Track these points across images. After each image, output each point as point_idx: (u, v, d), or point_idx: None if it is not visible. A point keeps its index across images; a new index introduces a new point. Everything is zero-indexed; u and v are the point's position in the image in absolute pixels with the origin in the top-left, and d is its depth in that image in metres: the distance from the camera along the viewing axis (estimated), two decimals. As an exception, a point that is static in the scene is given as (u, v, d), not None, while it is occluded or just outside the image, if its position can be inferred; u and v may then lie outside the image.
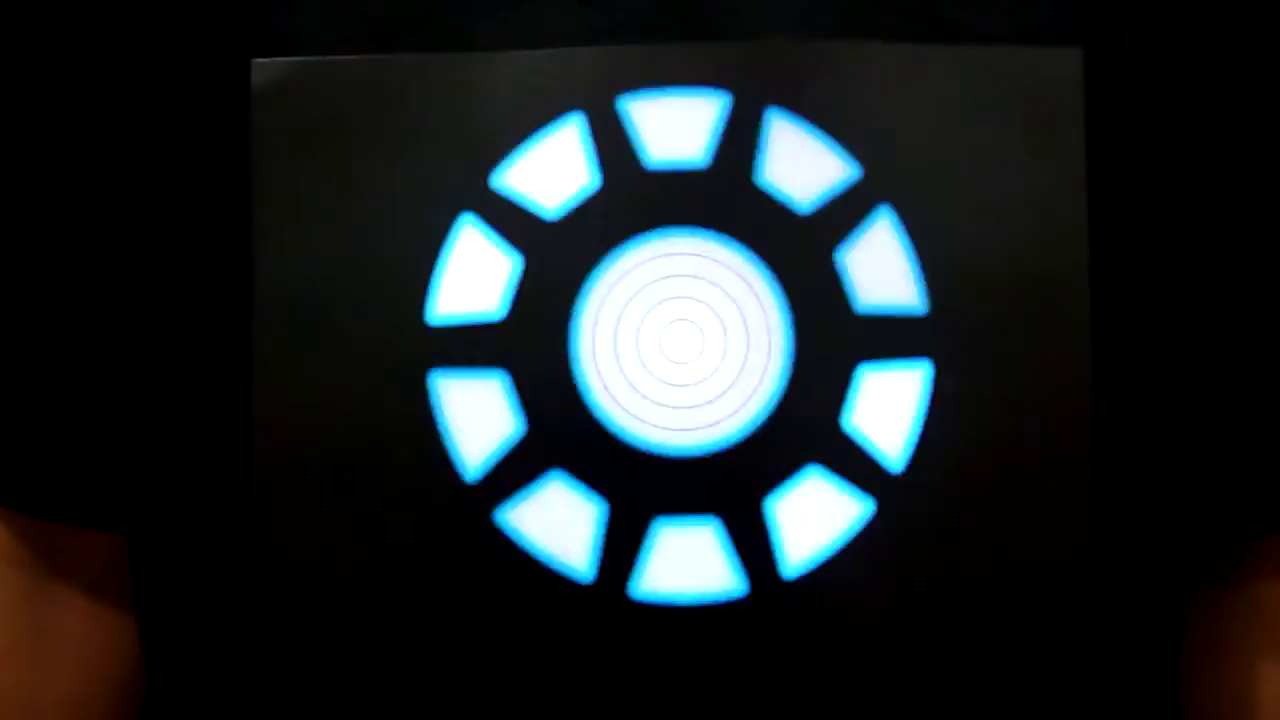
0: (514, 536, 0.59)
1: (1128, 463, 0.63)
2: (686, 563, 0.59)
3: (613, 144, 0.60)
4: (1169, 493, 0.64)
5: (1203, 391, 0.64)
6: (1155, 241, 0.63)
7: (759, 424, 0.59)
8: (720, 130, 0.60)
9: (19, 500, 0.66)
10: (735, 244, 0.60)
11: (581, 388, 0.59)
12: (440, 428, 0.59)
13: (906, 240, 0.60)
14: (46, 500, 0.65)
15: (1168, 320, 0.63)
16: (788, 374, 0.59)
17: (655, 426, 0.59)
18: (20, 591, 0.68)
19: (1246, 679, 0.70)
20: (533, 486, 0.59)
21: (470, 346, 0.59)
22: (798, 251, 0.60)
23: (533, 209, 0.60)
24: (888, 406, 0.60)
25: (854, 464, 0.60)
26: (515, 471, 0.59)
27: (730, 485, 0.59)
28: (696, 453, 0.59)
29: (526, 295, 0.59)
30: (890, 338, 0.60)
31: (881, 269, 0.60)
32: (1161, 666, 0.68)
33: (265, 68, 0.60)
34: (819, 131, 0.60)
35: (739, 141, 0.60)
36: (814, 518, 0.60)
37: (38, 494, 0.65)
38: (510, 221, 0.60)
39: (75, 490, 0.65)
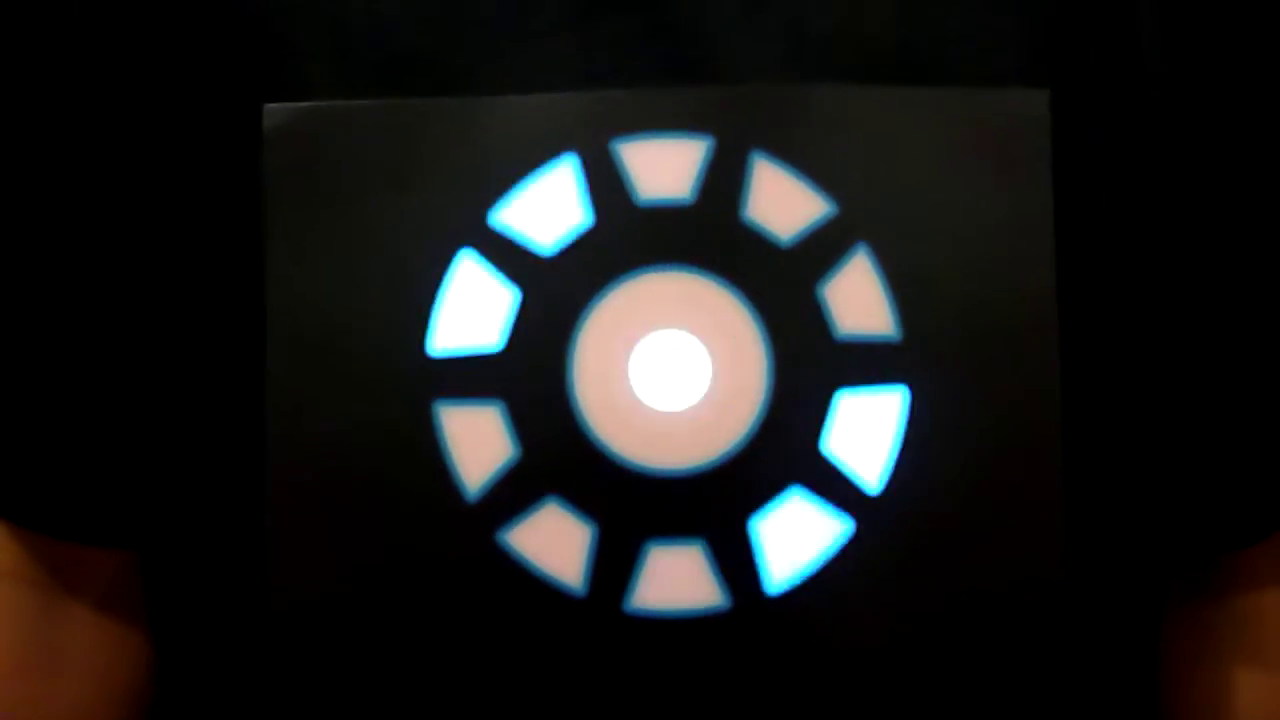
0: (512, 554, 0.60)
1: (1103, 479, 0.64)
2: (675, 579, 0.60)
3: (605, 183, 0.61)
4: (1144, 507, 0.65)
5: (1176, 407, 0.65)
6: (1125, 266, 0.64)
7: (743, 448, 0.60)
8: (706, 170, 0.61)
9: (31, 519, 0.66)
10: (720, 277, 0.61)
11: (575, 415, 0.60)
12: (442, 453, 0.60)
13: (882, 273, 0.61)
14: (59, 519, 0.66)
15: (1140, 337, 0.64)
16: (770, 400, 0.60)
17: (645, 451, 0.60)
18: (31, 608, 0.68)
19: (1224, 689, 0.70)
20: (530, 508, 0.60)
21: (470, 376, 0.60)
22: (779, 284, 0.61)
23: (529, 245, 0.61)
24: (866, 431, 0.61)
25: (834, 485, 0.61)
26: (513, 494, 0.60)
27: (716, 506, 0.60)
28: (684, 475, 0.60)
29: (523, 328, 0.60)
30: (868, 365, 0.61)
31: (859, 300, 0.61)
32: (1140, 680, 0.69)
33: (276, 112, 0.61)
34: (799, 171, 0.61)
35: (723, 181, 0.61)
36: (796, 537, 0.60)
37: (50, 513, 0.66)
38: (508, 257, 0.61)
39: (88, 509, 0.66)
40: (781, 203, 0.61)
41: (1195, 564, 0.70)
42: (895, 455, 0.61)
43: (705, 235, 0.61)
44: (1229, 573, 0.70)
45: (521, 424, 0.60)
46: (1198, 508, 0.67)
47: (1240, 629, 0.71)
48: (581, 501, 0.60)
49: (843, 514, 0.61)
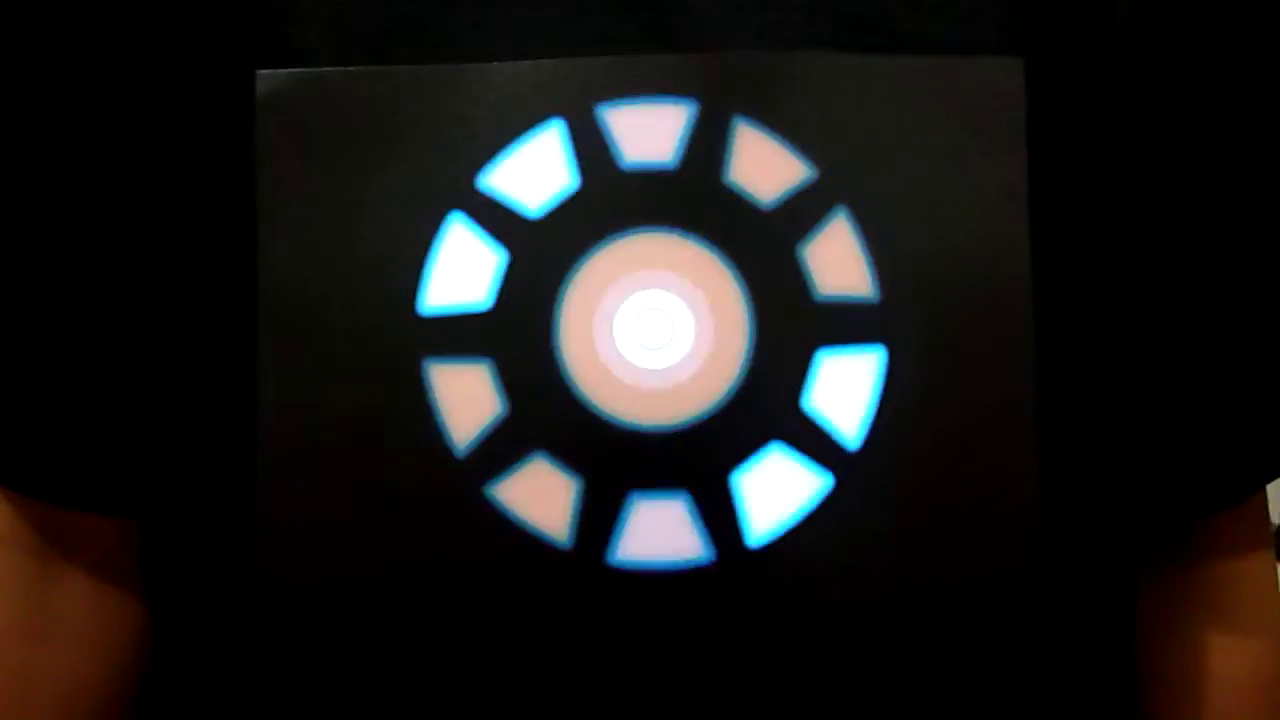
0: (500, 508, 0.61)
1: (1077, 443, 0.64)
2: (659, 532, 0.61)
3: (590, 148, 0.62)
4: (1118, 472, 0.66)
5: (1149, 373, 0.66)
6: (1098, 234, 0.65)
7: (725, 404, 0.61)
8: (689, 135, 0.62)
9: (29, 485, 0.67)
10: (703, 239, 0.62)
11: (561, 372, 0.61)
12: (432, 410, 0.61)
13: (861, 235, 0.62)
14: (56, 486, 0.66)
15: (1113, 304, 0.65)
16: (752, 358, 0.62)
17: (629, 407, 0.61)
18: (28, 574, 0.68)
19: (1199, 654, 0.72)
20: (517, 463, 0.62)
21: (459, 335, 0.61)
22: (761, 246, 0.62)
23: (517, 208, 0.62)
24: (845, 388, 0.62)
25: (813, 441, 0.62)
26: (501, 449, 0.61)
27: (699, 461, 0.61)
28: (667, 431, 0.61)
29: (510, 287, 0.61)
30: (847, 324, 0.62)
31: (838, 262, 0.62)
32: (1115, 643, 0.70)
33: (269, 78, 0.62)
34: (780, 136, 0.62)
35: (706, 145, 0.62)
36: (776, 491, 0.62)
37: (48, 480, 0.66)
38: (496, 219, 0.62)
39: (85, 476, 0.66)
40: (763, 166, 0.62)
41: (1170, 529, 0.71)
42: (873, 413, 0.62)
43: (688, 198, 0.62)
44: (1203, 538, 0.72)
45: (509, 381, 0.62)
46: (1172, 472, 0.68)
47: (1214, 594, 0.72)
48: (567, 456, 0.62)
49: (822, 469, 0.62)
